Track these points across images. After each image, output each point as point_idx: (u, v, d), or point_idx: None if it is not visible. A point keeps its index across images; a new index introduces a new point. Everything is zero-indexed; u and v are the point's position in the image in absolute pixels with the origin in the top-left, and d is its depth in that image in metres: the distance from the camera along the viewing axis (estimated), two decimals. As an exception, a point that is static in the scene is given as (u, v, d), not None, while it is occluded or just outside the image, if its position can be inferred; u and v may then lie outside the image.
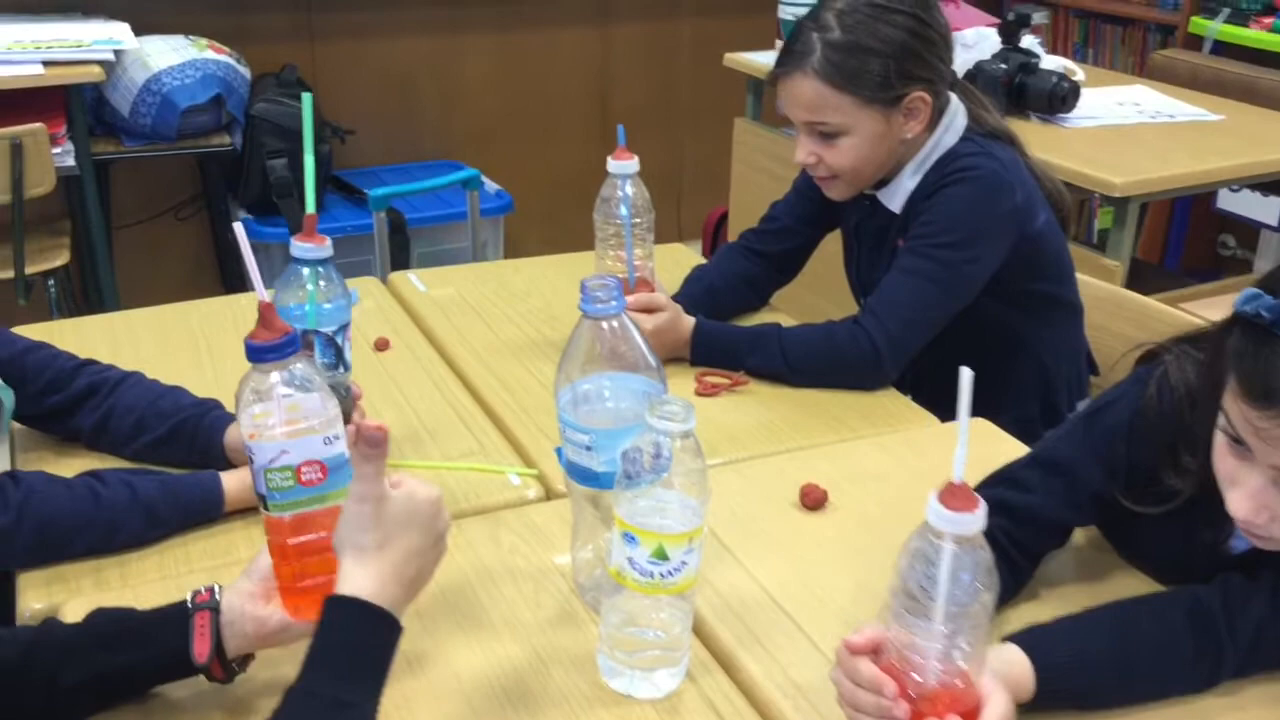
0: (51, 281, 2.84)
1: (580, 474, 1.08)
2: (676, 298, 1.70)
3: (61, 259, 2.87)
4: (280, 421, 0.93)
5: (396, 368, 1.63)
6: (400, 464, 1.37)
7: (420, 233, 3.23)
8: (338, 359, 1.27)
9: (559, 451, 1.12)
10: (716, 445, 1.44)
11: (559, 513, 1.26)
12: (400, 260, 3.17)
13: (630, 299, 1.58)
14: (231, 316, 1.77)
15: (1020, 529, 1.12)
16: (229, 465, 1.31)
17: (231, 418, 1.34)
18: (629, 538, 0.98)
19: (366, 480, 0.91)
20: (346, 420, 1.27)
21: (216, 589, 0.97)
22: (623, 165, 1.57)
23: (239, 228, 0.95)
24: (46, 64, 2.74)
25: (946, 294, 1.60)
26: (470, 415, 1.51)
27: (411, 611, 0.94)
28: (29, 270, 2.78)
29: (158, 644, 0.95)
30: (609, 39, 3.90)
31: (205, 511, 1.25)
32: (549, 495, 1.34)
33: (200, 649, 0.93)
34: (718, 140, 3.37)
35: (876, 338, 1.57)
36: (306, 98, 1.22)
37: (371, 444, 0.90)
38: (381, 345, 1.68)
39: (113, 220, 3.29)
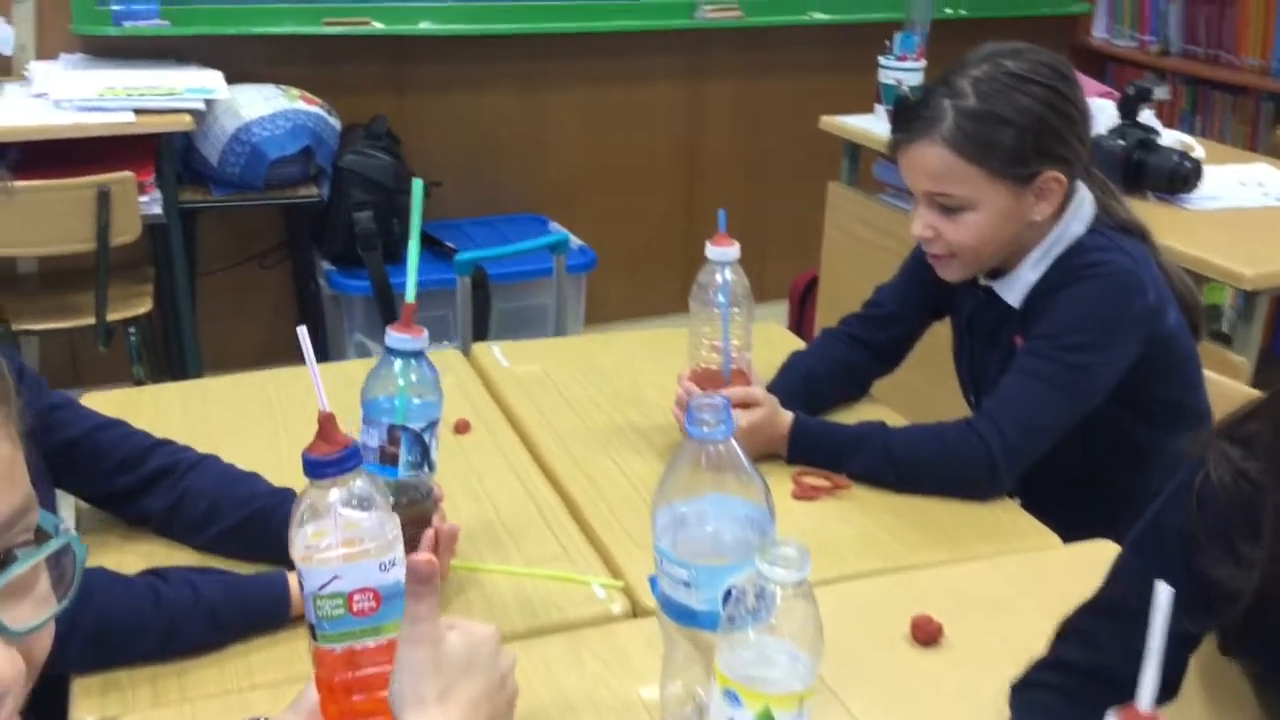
0: (132, 329, 2.82)
1: (677, 611, 0.98)
2: (771, 387, 1.60)
3: (144, 307, 2.85)
4: (336, 543, 0.86)
5: (476, 453, 1.54)
6: (478, 567, 1.29)
7: (502, 289, 3.17)
8: (423, 458, 1.19)
9: (653, 582, 1.02)
10: (815, 560, 1.33)
11: (646, 634, 1.16)
12: (481, 316, 3.11)
13: (726, 393, 1.49)
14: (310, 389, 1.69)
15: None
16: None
17: None
18: (731, 696, 0.87)
19: (420, 621, 0.81)
20: (425, 525, 1.21)
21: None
22: (722, 252, 1.48)
23: (303, 332, 0.88)
24: (138, 111, 2.73)
25: (1070, 399, 1.48)
26: (553, 513, 1.41)
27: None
28: (110, 317, 2.77)
29: None
30: (699, 95, 3.83)
31: (270, 616, 1.17)
32: (636, 611, 1.24)
33: None
34: (808, 202, 3.28)
35: (992, 444, 1.46)
36: (417, 184, 1.17)
37: (420, 579, 0.81)
38: (462, 428, 1.60)
39: (198, 267, 3.28)
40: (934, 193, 1.50)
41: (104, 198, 2.60)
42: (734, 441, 0.97)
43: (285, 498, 1.29)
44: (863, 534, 1.40)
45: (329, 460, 0.84)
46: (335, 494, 0.85)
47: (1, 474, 0.59)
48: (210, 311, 3.35)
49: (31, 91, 2.79)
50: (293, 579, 1.18)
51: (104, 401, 1.45)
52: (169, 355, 3.16)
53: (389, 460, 1.17)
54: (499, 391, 1.73)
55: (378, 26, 3.25)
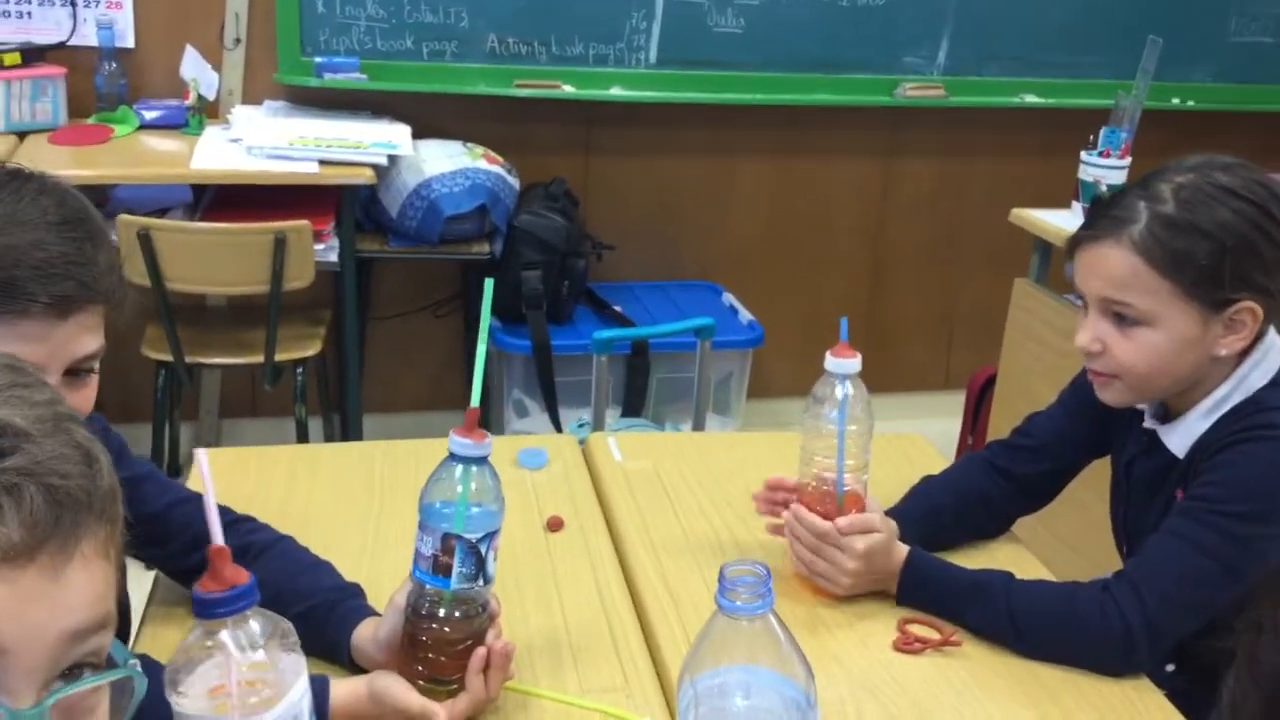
0: (300, 369, 2.89)
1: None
2: (893, 513, 1.46)
3: (313, 349, 2.92)
4: (211, 689, 0.79)
5: (563, 556, 1.47)
6: (530, 691, 1.20)
7: (663, 358, 3.10)
8: (478, 570, 1.12)
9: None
10: (903, 728, 1.18)
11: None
12: (637, 386, 3.05)
13: (840, 521, 1.36)
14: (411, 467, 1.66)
15: None
16: (354, 667, 1.18)
17: (369, 611, 1.22)
18: None
19: None
20: (479, 641, 1.14)
21: None
22: (842, 364, 1.36)
23: (201, 456, 0.81)
24: (323, 162, 2.81)
25: (1228, 574, 1.28)
26: (624, 634, 1.32)
27: None
28: (281, 357, 2.85)
29: None
30: (892, 173, 3.69)
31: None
32: (688, 764, 1.13)
33: None
34: (995, 293, 3.08)
35: (1131, 617, 1.27)
36: (488, 284, 1.10)
37: None
38: (555, 525, 1.53)
39: (372, 312, 3.35)
40: (1111, 300, 1.33)
41: (280, 244, 2.68)
42: (771, 617, 0.85)
43: (349, 595, 1.25)
44: (967, 704, 1.24)
45: (216, 599, 0.77)
46: (226, 636, 0.78)
47: (95, 589, 0.62)
48: (381, 355, 3.42)
49: (229, 135, 2.92)
50: (338, 686, 1.13)
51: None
52: (330, 399, 3.22)
53: (441, 571, 1.11)
54: (604, 488, 1.65)
55: (568, 90, 3.26)
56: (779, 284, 3.66)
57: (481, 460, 1.11)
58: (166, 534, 1.28)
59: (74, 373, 1.09)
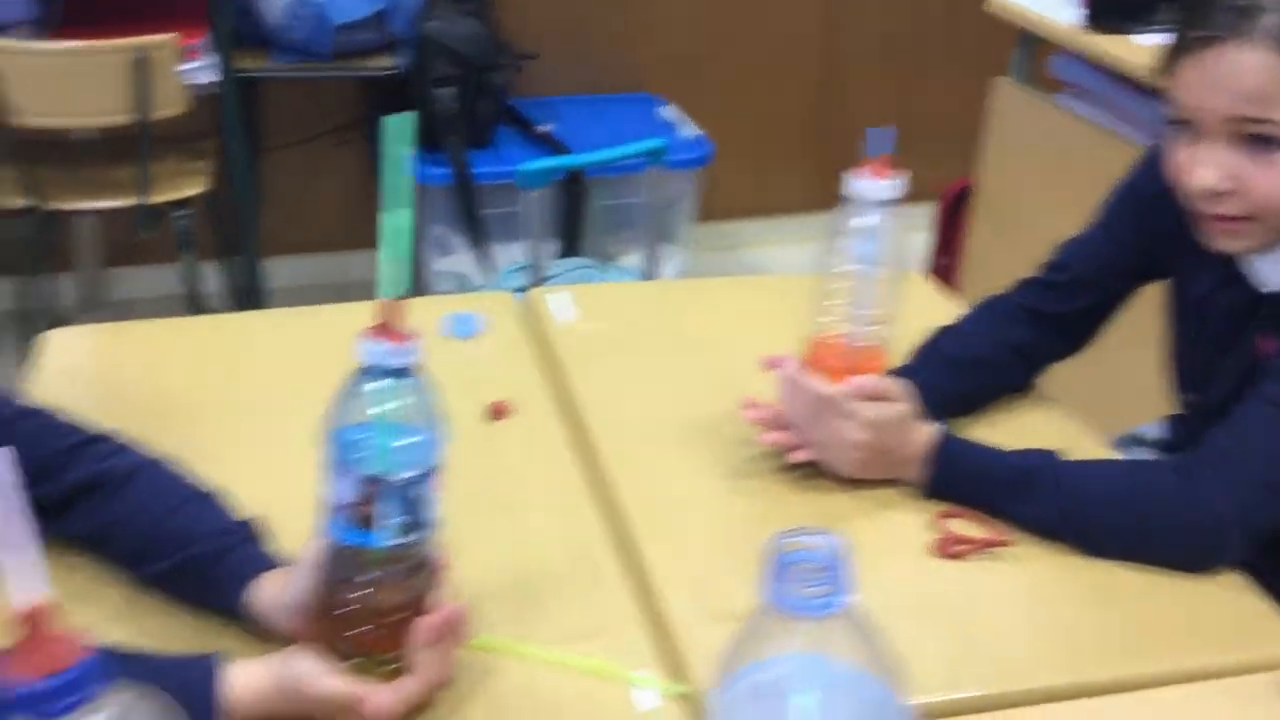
0: (182, 211, 2.50)
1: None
2: (903, 373, 1.19)
3: (196, 187, 2.52)
4: None
5: (510, 450, 1.18)
6: (494, 646, 0.93)
7: (602, 184, 2.76)
8: (415, 518, 0.82)
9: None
10: (968, 666, 0.94)
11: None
12: (576, 216, 2.71)
13: (852, 383, 1.10)
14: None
15: None
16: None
17: (266, 561, 0.93)
18: None
19: None
20: (420, 607, 0.85)
21: None
22: (876, 187, 1.07)
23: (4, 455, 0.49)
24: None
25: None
26: (603, 557, 1.05)
27: None
28: (157, 199, 2.45)
29: None
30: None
31: (200, 709, 0.83)
32: (701, 735, 0.88)
33: None
34: (963, 99, 2.78)
35: (1219, 502, 1.03)
36: (391, 122, 0.76)
37: None
38: (498, 413, 1.23)
39: (263, 142, 2.94)
40: (1246, 119, 1.02)
41: (141, 64, 2.25)
42: (855, 616, 0.58)
43: (239, 538, 0.95)
44: (1028, 623, 1.00)
45: (35, 694, 0.48)
46: None
47: None
48: (278, 190, 3.03)
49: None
50: (236, 672, 0.84)
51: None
52: (224, 245, 2.84)
53: (363, 523, 0.81)
54: (556, 357, 1.35)
55: None
56: (723, 93, 3.30)
57: (405, 372, 0.80)
58: None
59: None
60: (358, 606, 0.84)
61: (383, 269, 0.78)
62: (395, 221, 0.77)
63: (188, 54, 2.36)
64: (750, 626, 0.61)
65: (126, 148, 2.44)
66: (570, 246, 2.69)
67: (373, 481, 0.80)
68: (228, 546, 0.93)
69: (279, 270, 2.97)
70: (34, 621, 0.47)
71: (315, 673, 0.83)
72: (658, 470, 1.15)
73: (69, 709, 0.48)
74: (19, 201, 2.39)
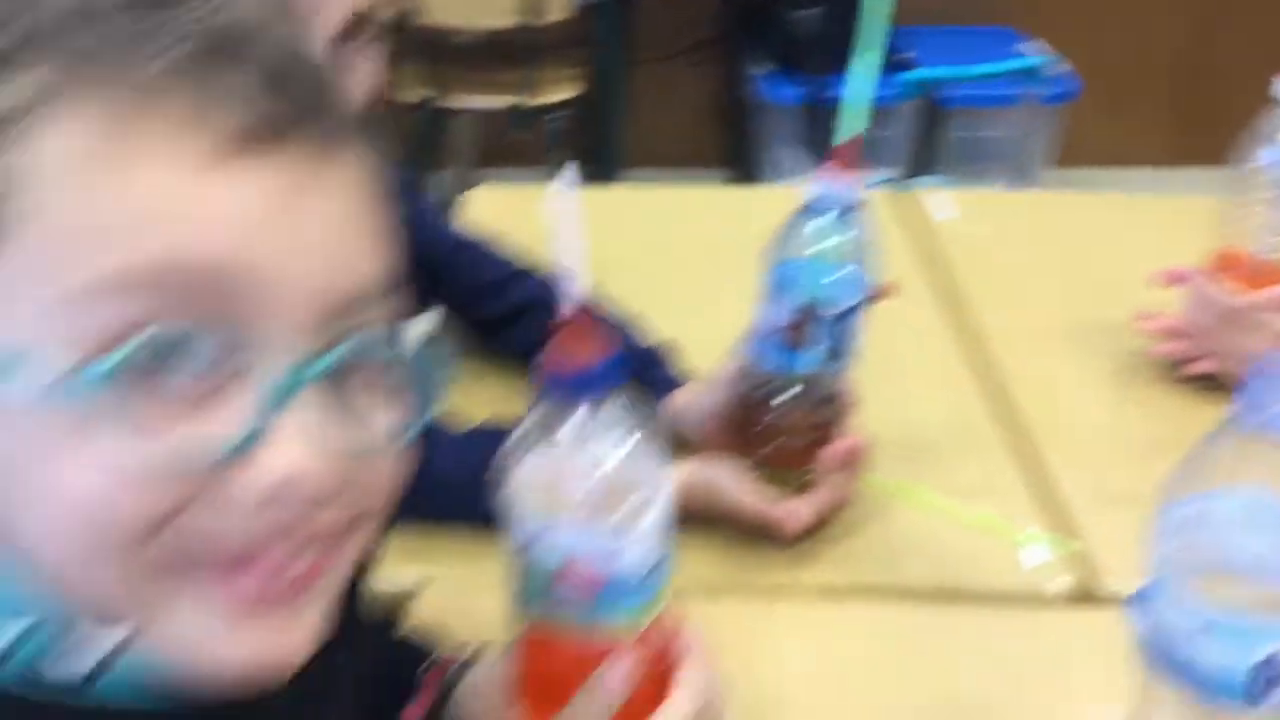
0: (555, 115, 2.68)
1: (1171, 656, 0.64)
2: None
3: (570, 92, 2.69)
4: (563, 489, 0.59)
5: (894, 330, 1.21)
6: (891, 488, 0.99)
7: (957, 115, 2.73)
8: (840, 347, 0.89)
9: (1143, 595, 0.68)
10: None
11: (1102, 634, 0.82)
12: (931, 144, 2.70)
13: (1265, 294, 1.08)
14: (739, 217, 1.40)
15: None
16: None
17: (674, 381, 1.02)
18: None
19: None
20: (827, 435, 0.92)
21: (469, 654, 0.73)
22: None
23: (562, 190, 0.57)
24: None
25: None
26: (988, 431, 1.08)
27: None
28: (534, 101, 2.64)
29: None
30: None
31: None
32: (1089, 596, 0.90)
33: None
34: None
35: None
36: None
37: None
38: (883, 293, 1.27)
39: (637, 54, 3.07)
40: None
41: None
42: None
43: (656, 359, 1.05)
44: None
45: (568, 380, 0.57)
46: (572, 426, 0.58)
47: (349, 238, 0.45)
48: (642, 103, 3.17)
49: None
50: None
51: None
52: (589, 149, 3.01)
53: (794, 345, 0.89)
54: (934, 253, 1.38)
55: None
56: (1088, 29, 3.17)
57: (849, 209, 0.86)
58: (455, 277, 1.12)
59: None
60: (770, 425, 0.91)
61: (845, 108, 0.83)
62: (865, 62, 0.83)
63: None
64: (1205, 448, 0.63)
65: (508, 51, 2.63)
66: (921, 173, 2.69)
67: (805, 310, 0.87)
68: (648, 363, 1.03)
69: (632, 182, 3.12)
70: (572, 324, 0.56)
71: (732, 480, 0.91)
72: (1046, 365, 1.17)
73: (599, 395, 0.57)
74: (418, 94, 2.62)
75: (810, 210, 0.87)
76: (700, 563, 0.92)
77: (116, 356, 0.40)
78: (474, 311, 1.13)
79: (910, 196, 1.51)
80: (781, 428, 0.91)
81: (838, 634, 0.87)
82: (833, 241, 0.86)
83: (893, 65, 2.87)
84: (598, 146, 2.95)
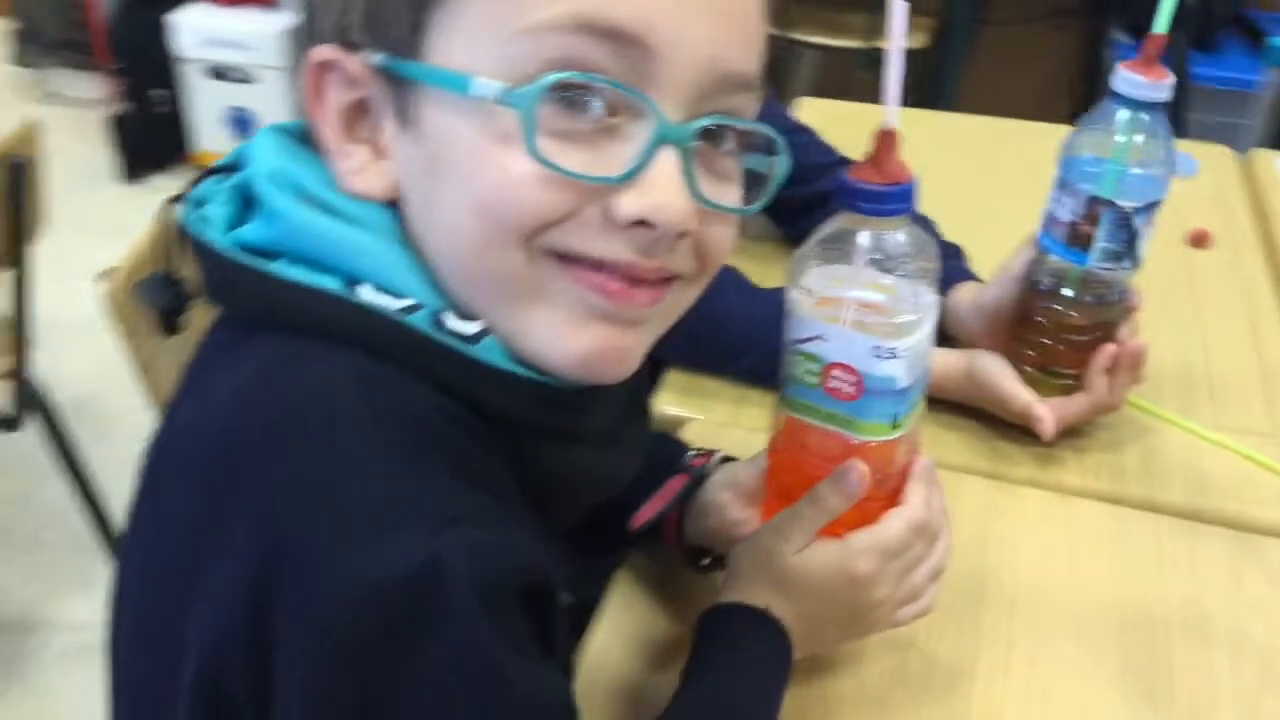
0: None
1: None
2: None
3: (917, 42, 2.70)
4: (841, 296, 0.65)
5: (1205, 276, 1.20)
6: (1157, 412, 1.00)
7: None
8: (1127, 248, 0.90)
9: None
10: None
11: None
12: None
13: None
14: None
15: None
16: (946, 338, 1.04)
17: (971, 274, 1.06)
18: None
19: (801, 531, 0.68)
20: (1109, 335, 0.93)
21: (716, 460, 0.81)
22: None
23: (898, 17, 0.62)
24: None
25: None
26: (1277, 373, 1.05)
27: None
28: (880, 43, 2.65)
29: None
30: None
31: None
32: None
33: (643, 514, 0.79)
34: None
35: None
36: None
37: (839, 495, 0.67)
38: (1198, 240, 1.25)
39: (987, 13, 3.03)
40: None
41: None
42: None
43: (945, 253, 1.08)
44: None
45: (870, 191, 0.62)
46: (865, 238, 0.64)
47: (735, 28, 0.54)
48: (982, 60, 3.12)
49: None
50: (935, 355, 0.98)
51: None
52: (925, 100, 3.00)
53: (1079, 242, 0.90)
54: (1268, 210, 1.33)
55: None
56: None
57: (1156, 107, 0.87)
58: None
59: None
60: (1046, 320, 0.94)
61: (1163, 4, 0.84)
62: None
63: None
64: None
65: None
66: None
67: (1097, 204, 0.89)
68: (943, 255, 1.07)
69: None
70: (881, 143, 0.62)
71: (1001, 373, 0.95)
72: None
73: (896, 212, 0.63)
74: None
75: (1111, 104, 0.88)
76: (956, 444, 0.97)
77: (548, 80, 0.50)
78: (784, 190, 1.20)
79: (1253, 158, 1.45)
80: (1058, 325, 0.93)
81: (1076, 532, 0.89)
82: (1129, 138, 0.87)
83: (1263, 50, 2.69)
84: (932, 99, 2.94)
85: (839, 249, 0.65)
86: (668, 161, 0.53)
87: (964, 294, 1.03)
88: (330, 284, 0.53)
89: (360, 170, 0.56)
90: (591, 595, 0.82)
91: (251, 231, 0.56)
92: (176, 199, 0.60)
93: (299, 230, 0.54)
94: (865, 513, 0.69)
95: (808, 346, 0.65)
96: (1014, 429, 0.96)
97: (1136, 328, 0.95)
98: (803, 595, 0.68)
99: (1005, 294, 0.97)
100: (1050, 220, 0.92)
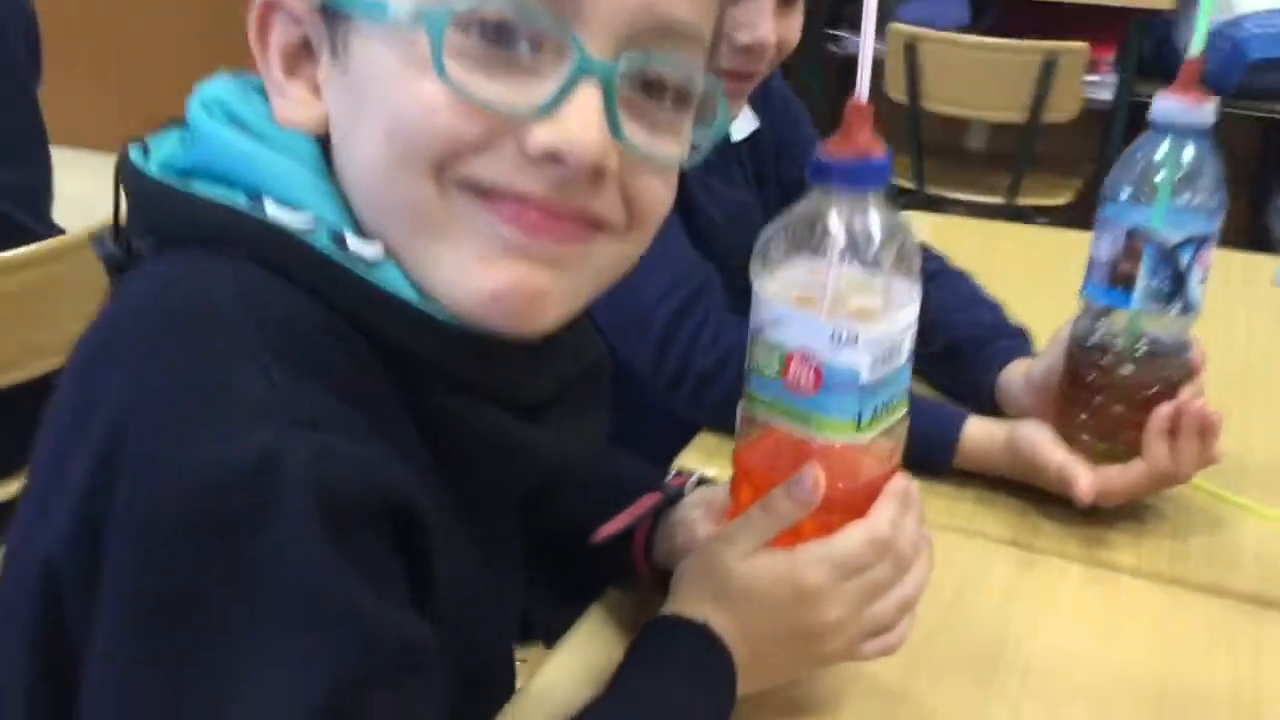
0: (1042, 220, 2.62)
1: None
2: None
3: (1062, 198, 2.63)
4: (802, 278, 0.60)
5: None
6: (1224, 496, 0.89)
7: None
8: (1175, 286, 0.81)
9: None
10: None
11: None
12: None
13: None
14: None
15: None
16: (993, 410, 0.96)
17: (1024, 351, 0.99)
18: None
19: (752, 540, 0.63)
20: (1166, 393, 0.84)
21: (693, 481, 0.76)
22: None
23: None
24: (1114, -18, 2.48)
25: None
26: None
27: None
28: (1023, 200, 2.61)
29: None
30: None
31: (925, 456, 0.88)
32: None
33: (609, 527, 0.73)
34: None
35: None
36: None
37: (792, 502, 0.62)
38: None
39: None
40: None
41: (1048, 66, 2.42)
42: None
43: (1006, 334, 1.02)
44: None
45: (841, 166, 0.59)
46: (834, 215, 0.59)
47: None
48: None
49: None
50: (972, 425, 0.91)
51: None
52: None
53: (1121, 282, 0.83)
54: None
55: None
56: None
57: (1199, 133, 0.80)
58: None
59: None
60: (1097, 378, 0.85)
61: (1198, 29, 0.79)
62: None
63: (1095, 66, 2.47)
64: None
65: (1004, 149, 2.63)
66: None
67: (1136, 238, 0.81)
68: (995, 336, 1.01)
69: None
70: (854, 116, 0.59)
71: (1045, 442, 0.87)
72: None
73: (868, 186, 0.59)
74: (906, 184, 2.69)
75: (1152, 136, 0.81)
76: (989, 516, 0.88)
77: (457, 1, 0.49)
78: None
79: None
80: (1110, 384, 0.85)
81: (1116, 607, 0.79)
82: (1169, 168, 0.80)
83: None
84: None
85: (807, 228, 0.61)
86: (587, 96, 0.51)
87: (1017, 370, 0.96)
88: (237, 200, 0.52)
89: (295, 104, 0.56)
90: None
91: (176, 155, 0.56)
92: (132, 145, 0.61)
93: (216, 149, 0.54)
94: (826, 528, 0.63)
95: (768, 334, 0.61)
96: (1060, 505, 0.87)
97: (1201, 390, 0.85)
98: (746, 608, 0.62)
99: (1055, 362, 0.89)
100: (1091, 265, 0.85)
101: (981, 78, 2.51)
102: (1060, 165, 2.71)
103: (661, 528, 0.74)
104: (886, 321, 0.60)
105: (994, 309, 1.06)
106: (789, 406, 0.61)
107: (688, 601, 0.64)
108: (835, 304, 0.59)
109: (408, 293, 0.53)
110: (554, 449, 0.60)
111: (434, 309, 0.53)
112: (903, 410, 0.64)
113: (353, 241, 0.52)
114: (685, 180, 1.02)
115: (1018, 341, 1.01)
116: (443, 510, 0.54)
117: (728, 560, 0.62)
